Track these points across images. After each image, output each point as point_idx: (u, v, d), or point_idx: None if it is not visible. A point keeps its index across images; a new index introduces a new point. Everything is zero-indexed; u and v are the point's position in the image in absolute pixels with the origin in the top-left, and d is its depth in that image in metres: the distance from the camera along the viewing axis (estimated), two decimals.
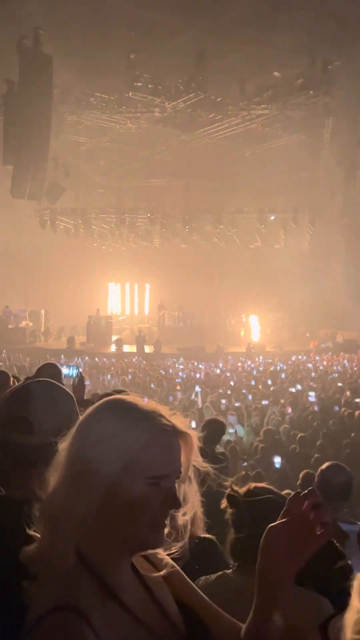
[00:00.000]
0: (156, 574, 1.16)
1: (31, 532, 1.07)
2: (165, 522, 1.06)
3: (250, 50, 16.78)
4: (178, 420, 1.09)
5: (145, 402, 1.11)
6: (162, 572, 1.17)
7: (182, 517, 1.13)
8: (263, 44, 16.38)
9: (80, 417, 1.11)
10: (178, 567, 1.21)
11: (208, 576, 1.80)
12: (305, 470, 3.42)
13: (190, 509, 1.14)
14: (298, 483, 3.53)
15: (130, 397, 1.13)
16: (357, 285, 22.52)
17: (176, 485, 1.08)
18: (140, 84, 18.23)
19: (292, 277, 25.19)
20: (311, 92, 17.77)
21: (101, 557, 1.05)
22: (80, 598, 0.98)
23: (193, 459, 1.13)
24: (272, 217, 23.06)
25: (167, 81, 18.47)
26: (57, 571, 1.00)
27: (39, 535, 1.06)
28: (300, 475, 3.42)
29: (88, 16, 16.30)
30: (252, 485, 1.86)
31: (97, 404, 1.12)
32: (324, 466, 3.35)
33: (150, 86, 18.33)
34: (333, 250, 24.63)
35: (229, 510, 1.83)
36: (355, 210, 21.44)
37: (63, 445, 1.09)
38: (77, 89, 19.03)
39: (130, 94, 18.52)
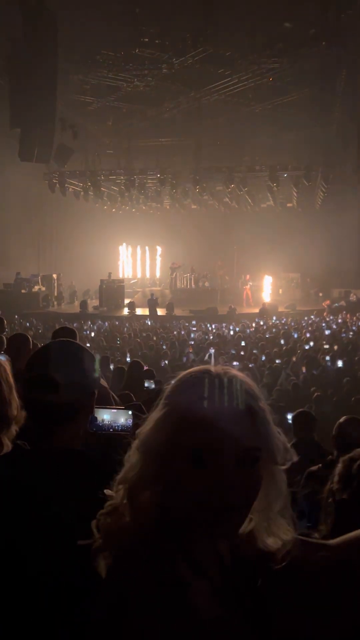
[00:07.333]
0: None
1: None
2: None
3: (259, 1, 16.16)
4: None
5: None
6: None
7: None
8: None
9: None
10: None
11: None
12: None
13: None
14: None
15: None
16: None
17: None
18: (147, 40, 17.68)
19: (305, 236, 24.91)
20: (323, 43, 17.15)
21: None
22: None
23: None
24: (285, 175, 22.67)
25: (174, 36, 17.89)
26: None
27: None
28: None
29: None
30: None
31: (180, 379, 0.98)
32: (342, 420, 3.39)
33: (157, 41, 17.78)
34: (346, 207, 24.21)
35: (340, 469, 1.74)
36: None
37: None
38: (82, 47, 18.52)
39: (137, 51, 17.99)
